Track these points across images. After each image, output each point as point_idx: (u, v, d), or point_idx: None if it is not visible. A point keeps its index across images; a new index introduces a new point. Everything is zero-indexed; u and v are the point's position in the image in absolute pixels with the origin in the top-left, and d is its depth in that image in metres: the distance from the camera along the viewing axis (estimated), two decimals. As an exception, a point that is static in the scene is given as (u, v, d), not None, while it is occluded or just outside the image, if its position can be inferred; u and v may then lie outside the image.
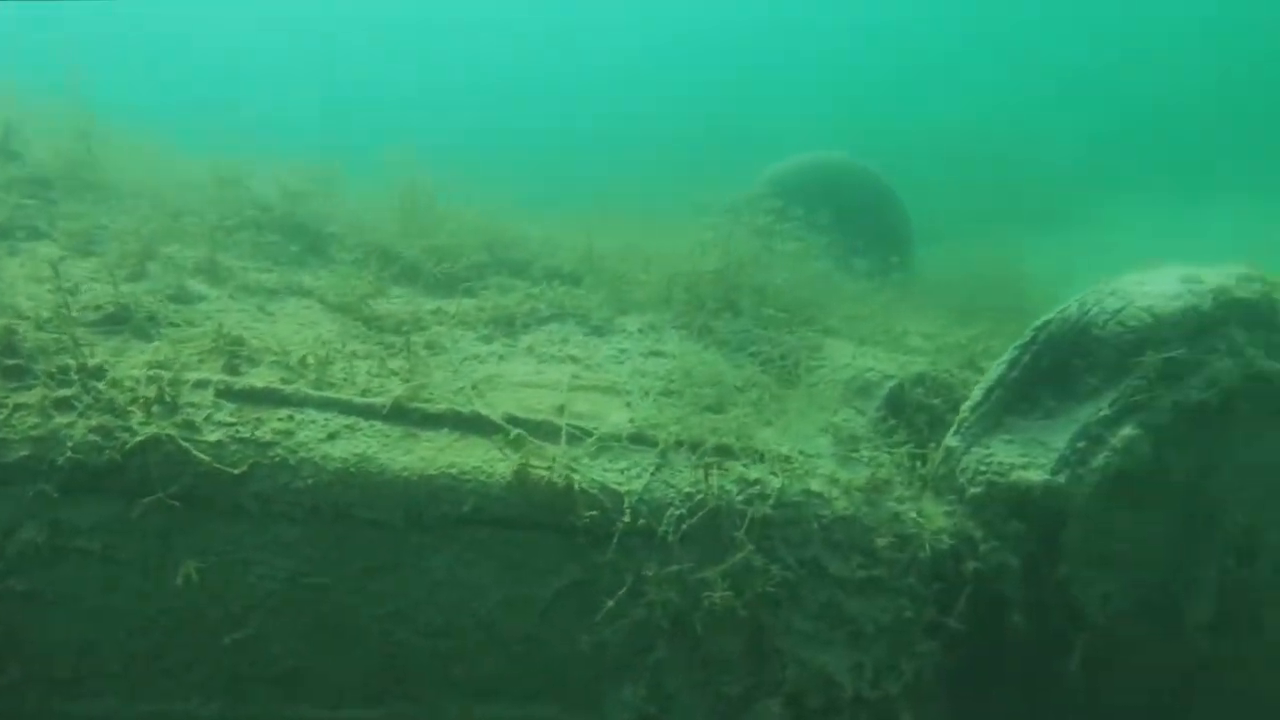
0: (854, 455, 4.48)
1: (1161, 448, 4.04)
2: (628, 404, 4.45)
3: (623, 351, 4.99)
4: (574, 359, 4.77)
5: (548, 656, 3.89)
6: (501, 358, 4.73)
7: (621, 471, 4.01)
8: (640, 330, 5.28)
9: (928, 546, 4.18)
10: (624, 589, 3.79)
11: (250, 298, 4.71)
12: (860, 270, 6.59)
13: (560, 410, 4.23)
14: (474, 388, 4.32)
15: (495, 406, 4.12)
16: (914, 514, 4.27)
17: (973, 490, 4.32)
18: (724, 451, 4.21)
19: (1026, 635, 4.39)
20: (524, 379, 4.52)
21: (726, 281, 5.47)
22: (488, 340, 4.86)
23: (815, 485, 4.18)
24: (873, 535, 4.10)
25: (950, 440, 4.51)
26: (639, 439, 4.15)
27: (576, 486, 3.81)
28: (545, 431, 4.06)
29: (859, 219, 8.48)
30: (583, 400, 4.40)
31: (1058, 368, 4.30)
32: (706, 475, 3.94)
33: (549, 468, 3.80)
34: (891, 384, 5.03)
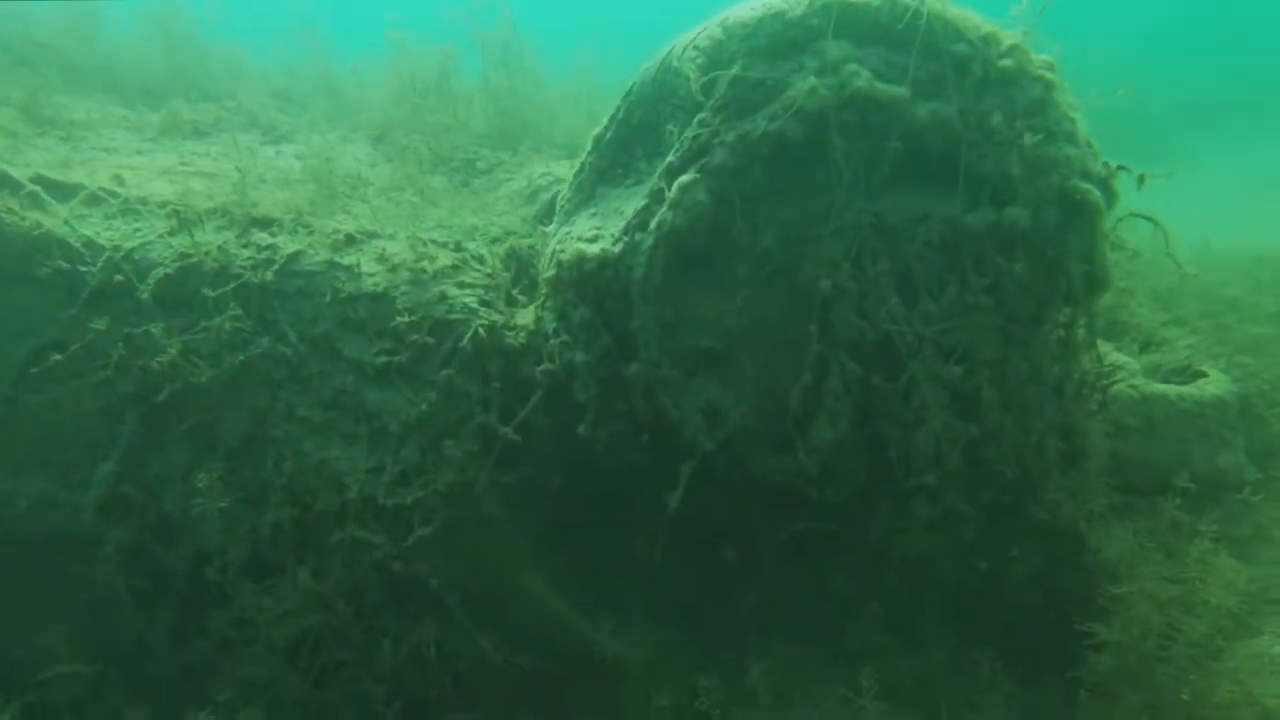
0: (447, 245, 3.80)
1: (725, 199, 3.07)
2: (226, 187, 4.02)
3: (279, 153, 4.58)
4: (208, 154, 4.42)
5: (30, 423, 3.57)
6: (139, 152, 4.48)
7: (128, 231, 3.61)
8: (325, 142, 4.86)
9: (469, 336, 3.44)
10: (80, 345, 3.40)
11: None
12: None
13: (115, 179, 3.90)
14: (63, 164, 4.09)
15: (68, 177, 3.86)
16: (469, 300, 3.54)
17: (546, 274, 3.52)
18: (263, 222, 3.69)
19: (619, 457, 3.52)
20: (130, 164, 4.23)
21: (443, 99, 4.91)
22: (145, 139, 4.63)
23: (348, 258, 3.57)
24: (402, 316, 3.44)
25: (550, 224, 3.71)
26: (170, 206, 3.73)
27: (46, 232, 3.47)
28: (73, 193, 3.75)
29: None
30: (167, 181, 4.03)
31: (651, 120, 3.41)
32: (182, 226, 3.47)
33: (14, 211, 3.49)
34: (558, 189, 4.25)
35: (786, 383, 3.24)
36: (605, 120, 3.54)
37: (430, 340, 3.44)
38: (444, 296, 3.51)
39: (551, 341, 3.46)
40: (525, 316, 3.62)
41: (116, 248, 3.51)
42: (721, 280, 3.19)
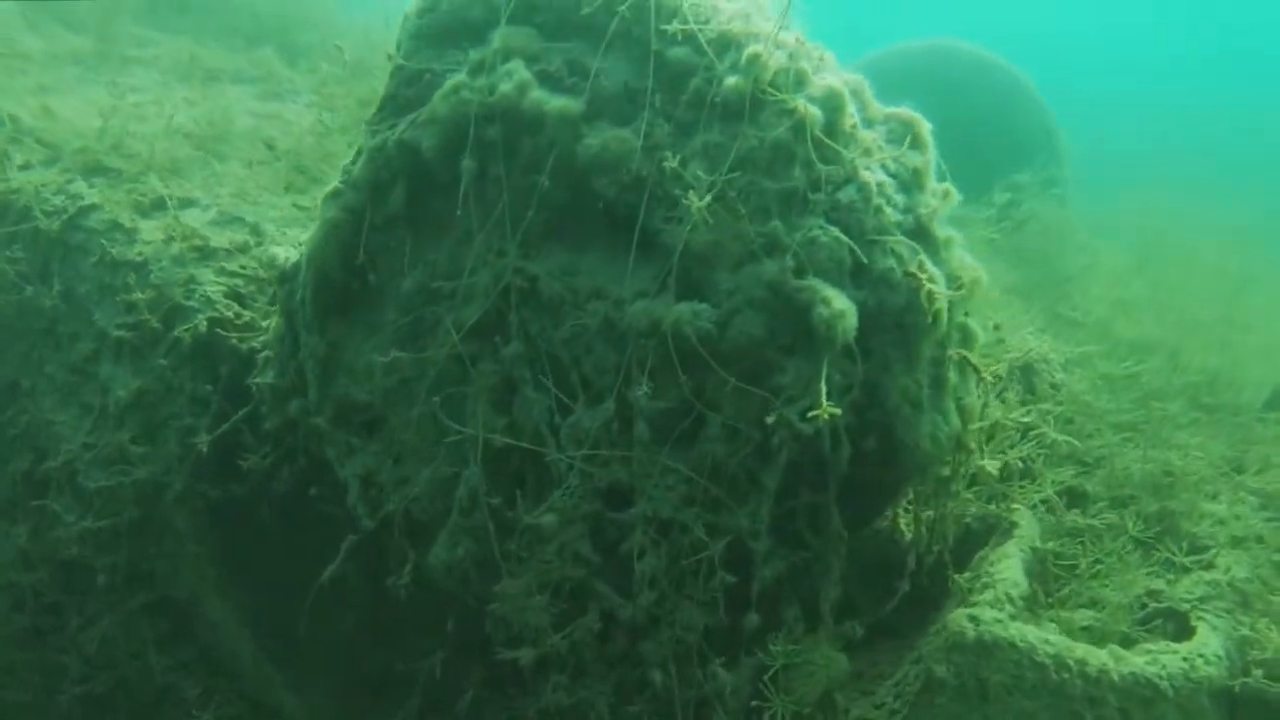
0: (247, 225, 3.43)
1: (359, 222, 2.34)
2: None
3: (243, 110, 4.50)
4: (185, 100, 4.45)
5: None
6: (134, 89, 4.62)
7: (-7, 160, 3.72)
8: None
9: (190, 329, 3.06)
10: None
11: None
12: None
13: (42, 110, 4.04)
14: (39, 90, 4.35)
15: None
16: (214, 290, 3.14)
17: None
18: (100, 170, 3.59)
19: (283, 499, 2.96)
20: (94, 97, 4.39)
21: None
22: (157, 80, 4.81)
23: (134, 222, 3.35)
24: (143, 293, 3.15)
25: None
26: (50, 145, 3.77)
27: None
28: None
29: (981, 122, 6.14)
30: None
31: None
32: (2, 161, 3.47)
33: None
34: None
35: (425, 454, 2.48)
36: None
37: (159, 325, 3.13)
38: (191, 280, 3.18)
39: (261, 354, 2.99)
40: (273, 320, 3.18)
41: (-32, 168, 3.64)
42: (371, 324, 2.50)
